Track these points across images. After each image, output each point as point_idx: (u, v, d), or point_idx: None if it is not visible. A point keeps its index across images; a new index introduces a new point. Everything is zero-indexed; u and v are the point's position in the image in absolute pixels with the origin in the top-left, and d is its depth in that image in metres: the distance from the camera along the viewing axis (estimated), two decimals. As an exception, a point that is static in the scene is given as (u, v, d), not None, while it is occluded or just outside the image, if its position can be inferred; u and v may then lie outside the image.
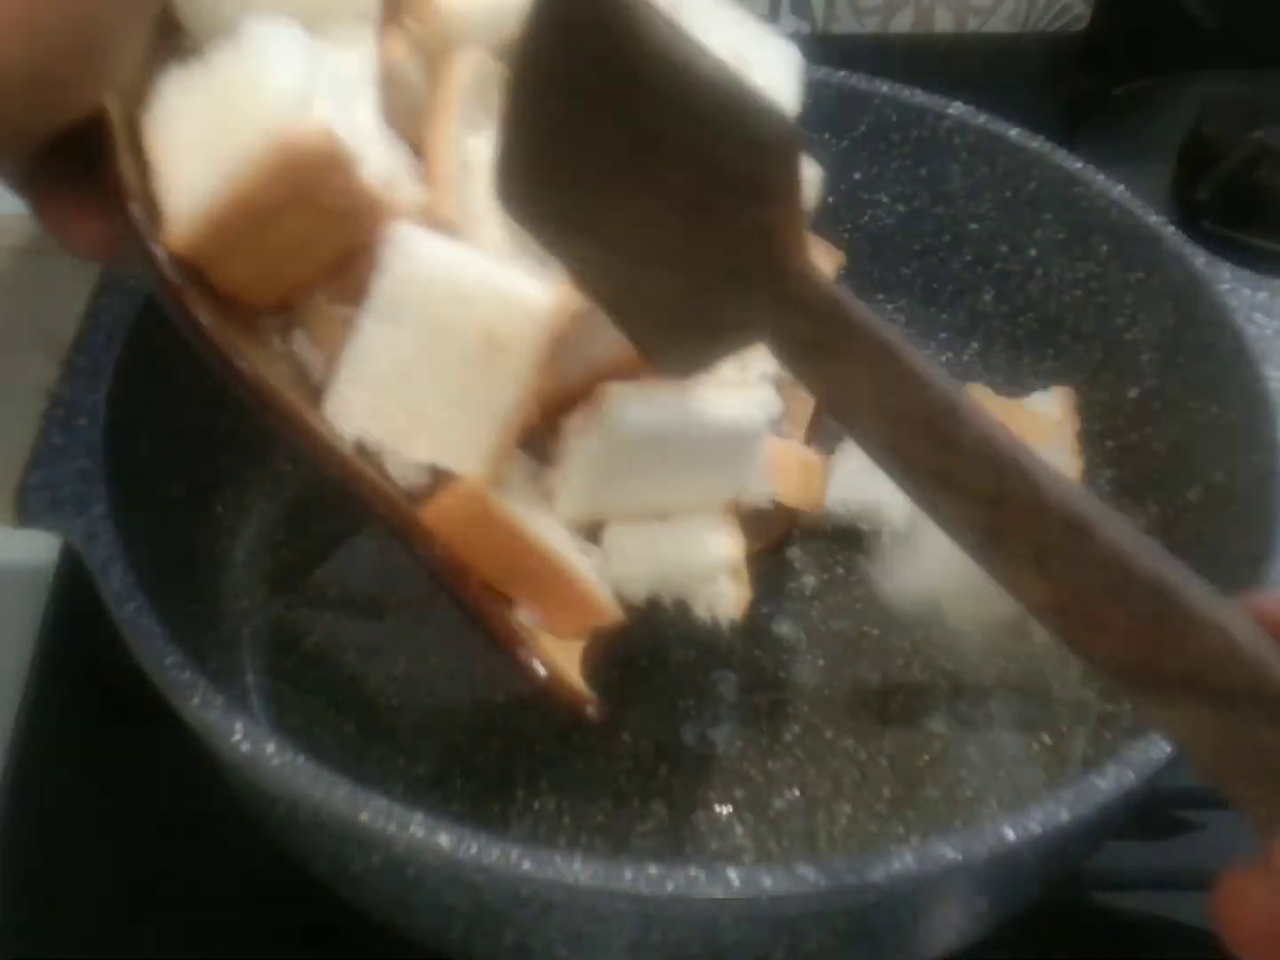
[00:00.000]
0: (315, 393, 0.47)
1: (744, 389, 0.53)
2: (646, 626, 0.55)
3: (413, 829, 0.44)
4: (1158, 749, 0.48)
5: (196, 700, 0.47)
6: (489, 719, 0.61)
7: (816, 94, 0.64)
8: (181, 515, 0.62)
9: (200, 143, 0.43)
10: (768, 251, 0.40)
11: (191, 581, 0.62)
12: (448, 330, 0.46)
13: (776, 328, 0.41)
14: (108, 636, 0.50)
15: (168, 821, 0.60)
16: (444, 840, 0.44)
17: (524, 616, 0.50)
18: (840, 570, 0.67)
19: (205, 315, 0.44)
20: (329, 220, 0.45)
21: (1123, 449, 0.69)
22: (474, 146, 0.50)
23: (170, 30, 0.46)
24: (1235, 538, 0.58)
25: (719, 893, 0.44)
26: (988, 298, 0.76)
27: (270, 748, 0.46)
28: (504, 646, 0.48)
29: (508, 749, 0.60)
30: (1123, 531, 0.37)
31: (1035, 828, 0.45)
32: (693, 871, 0.44)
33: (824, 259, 0.63)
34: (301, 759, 0.46)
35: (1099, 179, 0.68)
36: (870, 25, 1.04)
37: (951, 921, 0.52)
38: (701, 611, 0.55)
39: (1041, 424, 0.67)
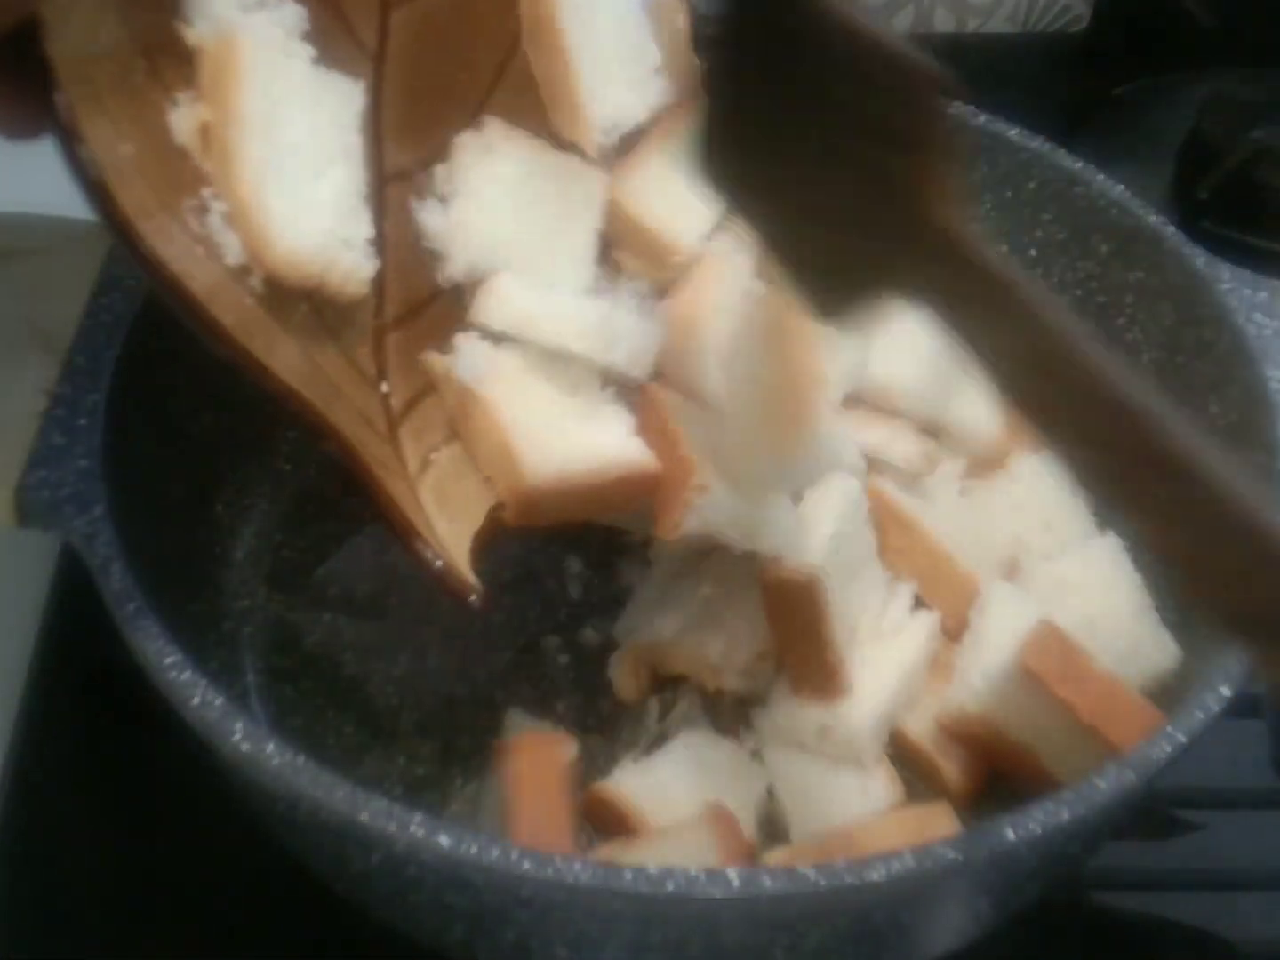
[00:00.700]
0: (231, 273, 0.50)
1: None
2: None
3: (413, 829, 0.44)
4: (1158, 749, 0.48)
5: (196, 700, 0.47)
6: (489, 719, 0.61)
7: (816, 94, 0.64)
8: (181, 515, 0.62)
9: None
10: (910, 202, 0.41)
11: (191, 581, 0.62)
12: None
13: (922, 277, 0.42)
14: (108, 636, 0.50)
15: (167, 821, 0.60)
16: (444, 840, 0.44)
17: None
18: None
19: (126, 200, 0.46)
20: None
21: (1123, 449, 0.69)
22: None
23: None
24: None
25: (719, 893, 0.44)
26: (988, 298, 0.75)
27: (270, 748, 0.46)
28: (403, 538, 0.53)
29: (508, 749, 0.59)
30: (1250, 487, 0.38)
31: (1035, 828, 0.45)
32: (693, 871, 0.44)
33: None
34: (301, 759, 0.46)
35: (1099, 179, 0.68)
36: (870, 25, 1.04)
37: (951, 921, 0.52)
38: None
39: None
